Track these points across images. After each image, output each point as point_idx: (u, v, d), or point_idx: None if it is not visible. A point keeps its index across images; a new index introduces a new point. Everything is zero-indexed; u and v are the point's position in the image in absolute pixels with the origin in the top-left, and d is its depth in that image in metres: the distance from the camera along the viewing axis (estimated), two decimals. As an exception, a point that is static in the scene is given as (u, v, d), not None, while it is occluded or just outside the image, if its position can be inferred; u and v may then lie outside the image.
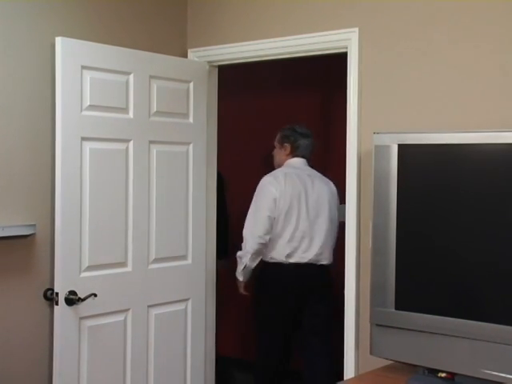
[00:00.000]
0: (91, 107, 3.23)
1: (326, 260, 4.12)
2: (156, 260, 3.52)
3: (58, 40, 3.13)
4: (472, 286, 2.65)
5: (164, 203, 3.54)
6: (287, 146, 4.29)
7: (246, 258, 4.05)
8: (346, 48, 3.29)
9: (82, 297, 3.16)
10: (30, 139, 3.15)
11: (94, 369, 3.27)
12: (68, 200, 3.15)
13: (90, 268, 3.24)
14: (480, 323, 2.60)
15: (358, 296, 3.26)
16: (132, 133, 3.40)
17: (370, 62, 3.22)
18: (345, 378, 3.23)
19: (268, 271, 4.11)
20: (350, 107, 3.28)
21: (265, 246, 4.04)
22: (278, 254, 4.05)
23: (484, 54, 2.91)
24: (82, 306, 3.18)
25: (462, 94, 2.97)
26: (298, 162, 4.28)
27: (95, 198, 3.24)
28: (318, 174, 4.27)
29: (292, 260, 4.05)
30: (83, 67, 3.20)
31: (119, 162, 3.36)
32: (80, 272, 3.21)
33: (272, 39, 3.51)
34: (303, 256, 4.06)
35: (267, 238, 4.02)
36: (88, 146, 3.22)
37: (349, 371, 3.29)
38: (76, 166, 3.18)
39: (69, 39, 3.16)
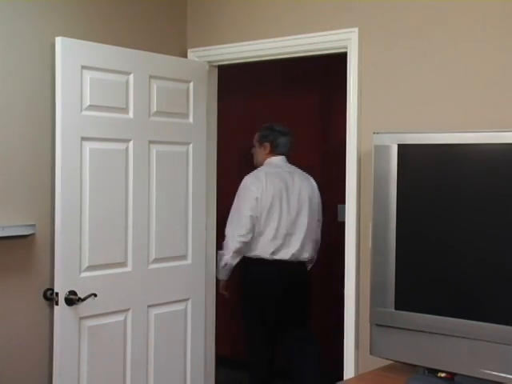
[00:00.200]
0: (91, 107, 3.23)
1: (307, 254, 4.33)
2: (156, 260, 3.52)
3: (58, 40, 3.13)
4: (472, 286, 2.65)
5: (164, 203, 3.54)
6: (267, 144, 4.45)
7: (227, 256, 4.18)
8: (346, 48, 3.29)
9: (82, 297, 3.16)
10: (30, 139, 3.16)
11: (94, 369, 3.27)
12: (68, 200, 3.15)
13: (89, 268, 3.24)
14: (480, 323, 2.60)
15: (357, 296, 3.26)
16: (132, 133, 3.40)
17: (369, 62, 3.22)
18: (344, 378, 3.23)
19: (253, 269, 4.27)
20: (350, 107, 3.28)
21: (246, 245, 4.19)
22: (263, 252, 4.22)
23: (484, 53, 2.91)
24: (82, 306, 3.18)
25: (462, 94, 2.97)
26: (278, 159, 4.43)
27: (95, 197, 3.24)
28: (299, 170, 4.44)
29: (276, 257, 4.23)
30: (83, 67, 3.20)
31: (119, 162, 3.36)
32: (80, 272, 3.21)
33: (272, 39, 3.51)
34: (287, 252, 4.24)
35: (249, 236, 4.18)
36: (88, 145, 3.22)
37: (349, 371, 3.29)
38: (76, 165, 3.18)
39: (69, 39, 3.16)
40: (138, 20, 3.60)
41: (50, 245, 3.19)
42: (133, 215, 3.40)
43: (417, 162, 2.82)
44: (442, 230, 2.72)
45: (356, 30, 3.23)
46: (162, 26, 3.72)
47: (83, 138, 3.20)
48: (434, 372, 2.74)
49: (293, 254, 4.26)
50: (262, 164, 4.47)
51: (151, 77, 3.48)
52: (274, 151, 4.44)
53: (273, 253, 4.22)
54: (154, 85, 3.49)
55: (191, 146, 3.67)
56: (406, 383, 2.74)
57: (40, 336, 3.20)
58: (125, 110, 3.38)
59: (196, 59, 3.79)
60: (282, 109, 5.38)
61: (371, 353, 2.90)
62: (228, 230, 4.22)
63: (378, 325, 2.86)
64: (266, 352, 4.40)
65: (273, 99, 5.44)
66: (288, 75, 5.30)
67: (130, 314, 3.41)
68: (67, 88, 3.14)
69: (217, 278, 4.08)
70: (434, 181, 2.75)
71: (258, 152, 4.52)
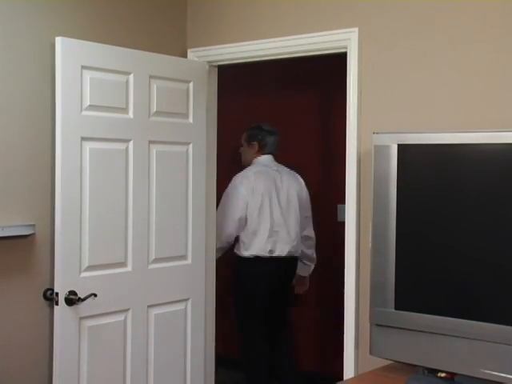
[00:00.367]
0: (91, 107, 3.23)
1: (299, 250, 4.50)
2: (156, 260, 3.52)
3: (58, 40, 3.13)
4: (472, 286, 2.65)
5: (164, 203, 3.54)
6: (255, 144, 4.58)
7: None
8: (346, 48, 3.29)
9: (82, 297, 3.16)
10: (30, 139, 3.15)
11: (94, 369, 3.26)
12: (68, 200, 3.15)
13: (89, 268, 3.24)
14: (480, 323, 2.60)
15: (357, 296, 3.26)
16: (132, 133, 3.40)
17: (369, 62, 3.22)
18: (344, 378, 3.24)
19: (251, 267, 4.38)
20: (350, 107, 3.28)
21: (230, 244, 4.39)
22: (260, 250, 4.35)
23: (484, 53, 2.91)
24: (81, 306, 3.18)
25: (462, 94, 2.97)
26: (267, 159, 4.56)
27: (95, 198, 3.24)
28: (286, 169, 4.57)
29: (274, 254, 4.37)
30: (83, 67, 3.20)
31: (119, 162, 3.36)
32: (80, 272, 3.21)
33: (272, 39, 3.51)
34: (283, 249, 4.38)
35: (234, 237, 4.36)
36: (88, 145, 3.22)
37: (348, 371, 3.29)
38: (76, 165, 3.18)
39: (69, 39, 3.16)
40: (137, 20, 3.60)
41: (49, 245, 3.19)
42: (133, 215, 3.40)
43: (417, 162, 2.82)
44: (441, 229, 2.72)
45: (356, 29, 3.23)
46: (161, 25, 3.72)
47: (83, 138, 3.20)
48: (433, 372, 2.74)
49: (289, 252, 4.41)
50: (250, 163, 4.59)
51: (151, 77, 3.48)
52: (262, 150, 4.57)
53: (270, 251, 4.35)
54: (154, 85, 3.49)
55: (191, 145, 3.67)
56: (406, 383, 2.74)
57: (40, 336, 3.20)
58: (125, 110, 3.38)
59: (196, 59, 3.79)
60: (282, 109, 5.39)
61: (371, 353, 2.90)
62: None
63: (377, 325, 2.86)
64: (265, 348, 4.49)
65: (273, 99, 5.44)
66: (288, 75, 5.30)
67: (129, 314, 3.41)
68: (67, 88, 3.14)
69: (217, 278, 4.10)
70: (434, 181, 2.75)
71: (246, 151, 4.65)
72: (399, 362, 2.87)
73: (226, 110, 4.34)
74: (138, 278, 3.44)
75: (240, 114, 5.37)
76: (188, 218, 3.66)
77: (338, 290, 3.64)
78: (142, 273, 3.46)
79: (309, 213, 4.62)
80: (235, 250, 4.49)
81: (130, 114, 3.40)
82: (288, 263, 4.47)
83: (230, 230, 4.34)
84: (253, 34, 3.59)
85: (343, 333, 3.32)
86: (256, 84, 5.52)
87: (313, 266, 4.71)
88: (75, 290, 3.16)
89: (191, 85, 3.67)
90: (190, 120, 3.68)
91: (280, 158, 4.77)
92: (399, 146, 2.81)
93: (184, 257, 3.66)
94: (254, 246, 4.35)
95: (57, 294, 3.14)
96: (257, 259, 4.37)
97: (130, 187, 3.39)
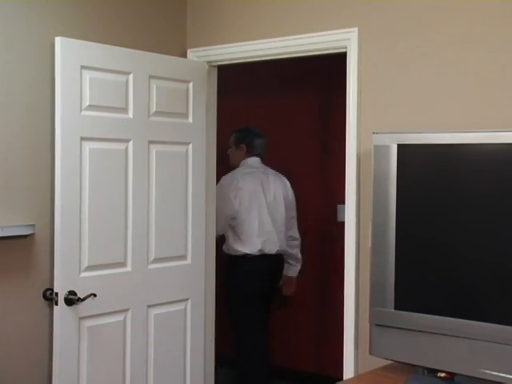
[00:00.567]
0: (91, 107, 3.23)
1: (286, 251, 4.62)
2: (155, 260, 3.52)
3: (58, 40, 3.13)
4: (472, 286, 2.65)
5: (163, 203, 3.54)
6: (243, 146, 4.68)
7: None
8: (346, 48, 3.28)
9: (82, 297, 3.16)
10: (30, 139, 3.15)
11: (94, 369, 3.26)
12: (67, 200, 3.14)
13: (89, 268, 3.24)
14: (480, 323, 2.60)
15: (357, 296, 3.26)
16: (131, 133, 3.40)
17: (369, 62, 3.22)
18: (344, 378, 3.23)
19: (243, 264, 4.46)
20: (350, 107, 3.28)
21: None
22: (250, 250, 4.45)
23: (484, 53, 2.91)
24: (81, 306, 3.18)
25: (461, 94, 2.97)
26: (254, 161, 4.67)
27: (95, 198, 3.24)
28: (272, 171, 4.69)
29: (264, 252, 4.47)
30: (83, 67, 3.20)
31: (119, 162, 3.35)
32: (79, 272, 3.20)
33: (271, 39, 3.51)
34: (273, 247, 4.50)
35: (220, 234, 4.40)
36: (87, 145, 3.22)
37: (348, 371, 3.28)
38: (75, 165, 3.18)
39: (68, 39, 3.16)
40: (137, 20, 3.59)
41: (49, 245, 3.19)
42: (132, 215, 3.40)
43: (417, 162, 2.82)
44: (441, 229, 2.72)
45: (356, 30, 3.23)
46: (161, 25, 3.72)
47: (83, 138, 3.20)
48: (433, 372, 2.74)
49: (277, 251, 4.53)
50: (237, 165, 4.67)
51: (151, 77, 3.48)
52: (250, 152, 4.66)
53: (260, 250, 4.45)
54: (154, 85, 3.49)
55: (191, 145, 3.67)
56: (406, 383, 2.74)
57: (40, 336, 3.20)
58: (124, 109, 3.38)
59: (196, 59, 3.79)
60: (282, 109, 5.39)
61: (371, 353, 2.90)
62: None
63: (377, 325, 2.86)
64: (263, 342, 4.58)
65: (272, 99, 5.44)
66: (288, 75, 5.30)
67: (129, 314, 3.41)
68: (67, 88, 3.14)
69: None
70: (434, 181, 2.75)
71: (234, 153, 4.73)
72: (399, 361, 2.87)
73: (226, 110, 4.34)
74: (137, 278, 3.44)
75: (240, 114, 5.37)
76: (188, 218, 3.66)
77: (337, 290, 3.64)
78: (142, 273, 3.46)
79: (294, 213, 4.72)
80: (224, 250, 4.52)
81: (130, 114, 3.40)
82: (277, 258, 4.59)
83: (218, 229, 4.25)
84: (253, 34, 3.59)
85: (343, 333, 3.32)
86: (256, 84, 5.52)
87: (299, 266, 4.77)
88: (75, 289, 3.16)
89: (191, 85, 3.67)
90: (190, 120, 3.68)
91: (280, 158, 4.78)
92: (399, 145, 2.80)
93: (183, 257, 3.66)
94: (244, 246, 4.45)
95: (56, 293, 3.14)
96: (247, 256, 4.47)
97: (130, 187, 3.39)
